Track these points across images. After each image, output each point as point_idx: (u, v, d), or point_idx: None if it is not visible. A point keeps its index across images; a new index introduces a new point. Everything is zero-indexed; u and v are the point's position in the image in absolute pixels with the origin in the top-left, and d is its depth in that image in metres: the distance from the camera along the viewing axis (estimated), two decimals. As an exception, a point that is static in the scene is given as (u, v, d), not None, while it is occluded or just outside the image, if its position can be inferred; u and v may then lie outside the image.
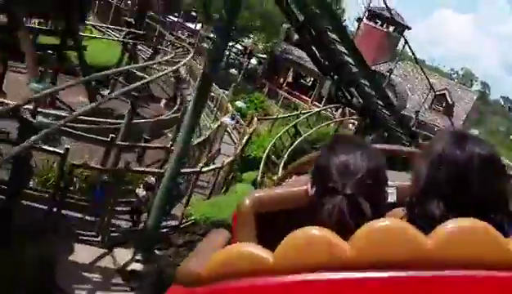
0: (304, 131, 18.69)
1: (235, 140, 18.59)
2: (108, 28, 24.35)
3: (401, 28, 27.53)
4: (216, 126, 15.63)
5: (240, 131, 19.42)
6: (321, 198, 0.98)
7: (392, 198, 1.11)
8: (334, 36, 9.62)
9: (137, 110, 18.73)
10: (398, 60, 10.23)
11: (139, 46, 22.46)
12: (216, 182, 11.97)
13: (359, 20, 10.51)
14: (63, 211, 8.67)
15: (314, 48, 10.25)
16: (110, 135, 9.75)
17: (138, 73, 14.48)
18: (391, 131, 10.66)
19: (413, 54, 9.44)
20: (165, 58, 17.50)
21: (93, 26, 23.16)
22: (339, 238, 0.81)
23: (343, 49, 9.66)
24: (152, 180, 9.16)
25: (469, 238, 0.78)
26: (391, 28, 28.56)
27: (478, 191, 0.92)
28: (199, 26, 34.68)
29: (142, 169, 9.62)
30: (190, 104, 8.81)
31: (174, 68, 14.78)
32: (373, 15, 27.98)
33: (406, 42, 9.37)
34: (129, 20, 21.38)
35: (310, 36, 9.99)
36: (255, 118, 19.31)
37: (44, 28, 17.47)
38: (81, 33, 21.98)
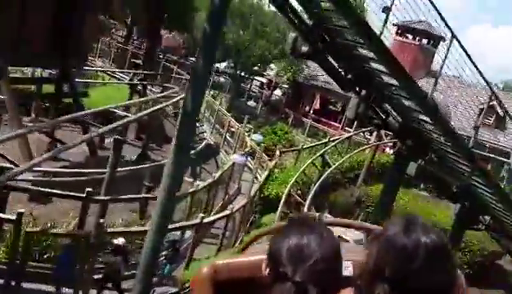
0: (334, 160, 16.30)
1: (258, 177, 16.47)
2: (122, 71, 23.56)
3: (436, 39, 25.16)
4: (229, 164, 13.62)
5: (263, 166, 17.37)
6: (273, 282, 1.00)
7: (348, 272, 1.16)
8: (355, 38, 7.46)
9: (148, 153, 17.38)
10: (441, 69, 7.81)
11: (150, 87, 21.45)
12: (226, 232, 9.84)
13: (386, 9, 8.02)
14: (24, 285, 6.87)
15: (330, 57, 8.13)
16: (86, 190, 7.94)
17: (120, 112, 12.85)
18: (442, 154, 8.14)
19: (462, 47, 7.07)
20: (161, 94, 15.96)
21: (104, 71, 22.44)
22: None
23: (369, 54, 7.48)
24: (121, 241, 7.14)
25: None
26: (424, 41, 26.30)
27: (423, 279, 0.97)
28: (223, 65, 33.84)
29: (114, 230, 7.61)
30: (173, 142, 6.83)
31: (167, 103, 13.05)
32: (403, 30, 25.98)
33: (454, 35, 7.04)
34: (137, 61, 20.54)
35: (323, 43, 7.90)
36: (277, 151, 17.21)
37: (44, 77, 16.61)
38: (89, 80, 21.42)
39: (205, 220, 8.77)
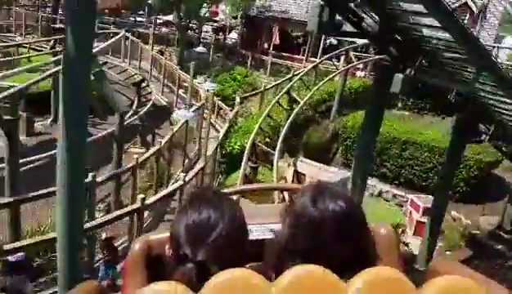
0: (302, 96, 14.27)
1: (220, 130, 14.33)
2: (39, 41, 20.29)
3: None
4: (180, 124, 11.39)
5: (224, 118, 15.25)
6: (175, 265, 0.94)
7: (271, 235, 1.08)
8: None
9: (88, 130, 14.94)
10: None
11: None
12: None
13: None
14: None
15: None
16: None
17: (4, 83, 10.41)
18: (437, 55, 6.16)
19: None
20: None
21: (18, 46, 19.17)
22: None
23: None
24: (19, 256, 5.13)
25: (309, 283, 0.80)
26: None
27: (334, 250, 0.93)
28: (170, 17, 30.51)
29: (11, 246, 5.47)
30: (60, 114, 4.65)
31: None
32: None
33: None
34: (58, 26, 17.54)
35: None
36: (237, 98, 15.03)
37: None
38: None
39: (149, 201, 6.73)
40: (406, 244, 9.08)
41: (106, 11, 35.66)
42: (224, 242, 0.92)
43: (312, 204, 0.96)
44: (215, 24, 32.16)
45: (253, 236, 1.09)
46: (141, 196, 6.62)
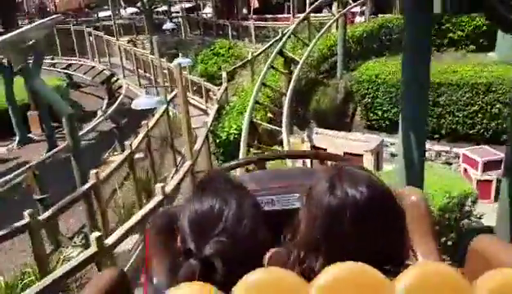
0: (300, 56, 11.74)
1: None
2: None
3: None
4: (157, 116, 8.96)
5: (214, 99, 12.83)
6: (182, 259, 0.86)
7: (298, 204, 1.02)
8: None
9: (58, 144, 12.58)
10: None
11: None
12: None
13: None
14: None
15: None
16: None
17: None
18: None
19: None
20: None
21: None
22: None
23: None
24: None
25: (351, 283, 0.70)
26: None
27: (356, 241, 0.81)
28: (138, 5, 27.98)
29: None
30: None
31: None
32: None
33: None
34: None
35: None
36: (223, 74, 12.55)
37: None
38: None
39: (109, 240, 4.40)
40: (479, 217, 6.78)
41: (71, 12, 33.75)
42: (231, 234, 0.84)
43: (330, 191, 0.84)
44: (187, 4, 29.64)
45: (274, 207, 1.10)
46: (96, 234, 4.28)
